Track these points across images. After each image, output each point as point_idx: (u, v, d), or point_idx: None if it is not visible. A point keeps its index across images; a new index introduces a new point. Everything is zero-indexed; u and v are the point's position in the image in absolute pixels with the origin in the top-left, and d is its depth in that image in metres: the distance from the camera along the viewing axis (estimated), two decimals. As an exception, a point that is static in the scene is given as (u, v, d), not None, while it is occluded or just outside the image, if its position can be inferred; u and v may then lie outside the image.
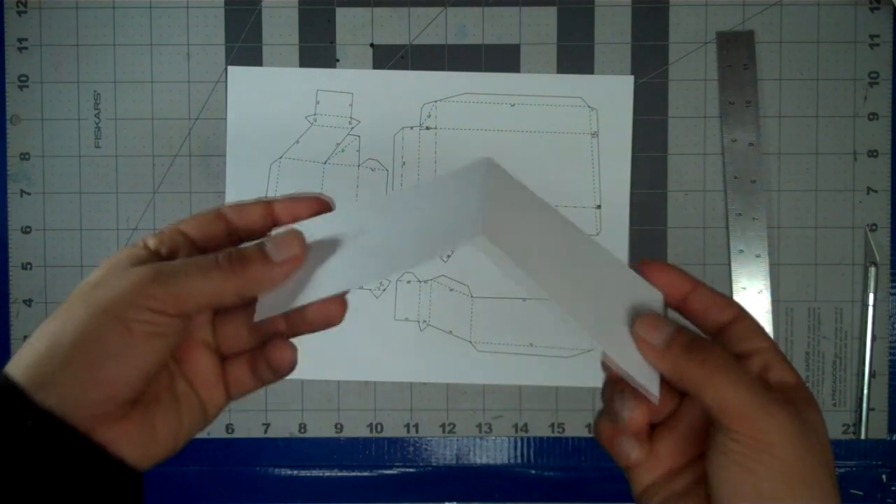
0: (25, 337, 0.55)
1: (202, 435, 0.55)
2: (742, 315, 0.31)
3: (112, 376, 0.28)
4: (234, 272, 0.30)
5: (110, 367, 0.28)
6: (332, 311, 0.32)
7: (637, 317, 0.30)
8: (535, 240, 0.30)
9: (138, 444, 0.29)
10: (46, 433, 0.27)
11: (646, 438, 0.31)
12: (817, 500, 0.27)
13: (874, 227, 0.55)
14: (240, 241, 0.33)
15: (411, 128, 0.55)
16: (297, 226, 0.32)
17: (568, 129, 0.54)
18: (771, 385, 0.29)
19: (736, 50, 0.54)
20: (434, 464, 0.56)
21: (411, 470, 0.56)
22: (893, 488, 0.55)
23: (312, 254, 0.31)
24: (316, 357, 0.54)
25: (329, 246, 0.31)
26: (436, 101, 0.55)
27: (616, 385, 0.31)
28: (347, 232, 0.31)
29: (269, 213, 0.33)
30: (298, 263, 0.31)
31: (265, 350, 0.32)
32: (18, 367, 0.28)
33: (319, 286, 0.31)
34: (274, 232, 0.33)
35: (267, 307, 0.31)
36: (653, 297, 0.32)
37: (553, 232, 0.32)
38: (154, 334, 0.28)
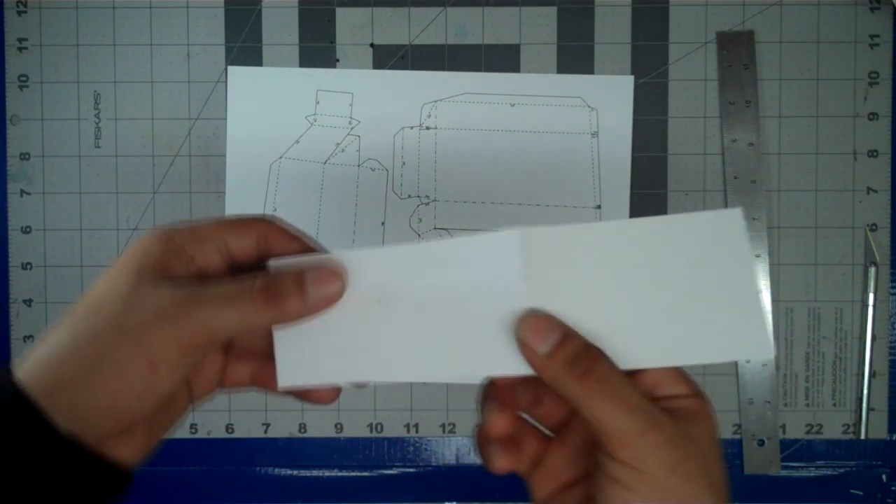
0: (26, 338, 0.55)
1: (202, 435, 0.55)
2: None
3: (132, 409, 0.28)
4: (269, 306, 0.29)
5: (132, 403, 0.28)
6: (329, 395, 0.32)
7: (522, 318, 0.29)
8: (596, 301, 0.29)
9: (139, 450, 0.30)
10: (65, 457, 0.27)
11: (515, 448, 0.32)
12: None
13: (874, 227, 0.55)
14: (269, 257, 0.32)
15: (411, 128, 0.55)
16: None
17: (568, 129, 0.54)
18: (655, 401, 0.29)
19: (736, 50, 0.54)
20: (434, 464, 0.56)
21: (411, 470, 0.56)
22: (893, 488, 0.55)
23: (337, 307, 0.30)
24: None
25: (353, 304, 0.30)
26: (436, 101, 0.55)
27: (487, 390, 0.31)
28: (370, 290, 0.30)
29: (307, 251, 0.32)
30: (334, 303, 0.30)
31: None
32: (39, 384, 0.27)
33: (345, 367, 0.30)
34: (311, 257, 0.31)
35: (290, 372, 0.31)
36: (731, 223, 0.29)
37: (609, 266, 0.29)
38: (177, 369, 0.28)
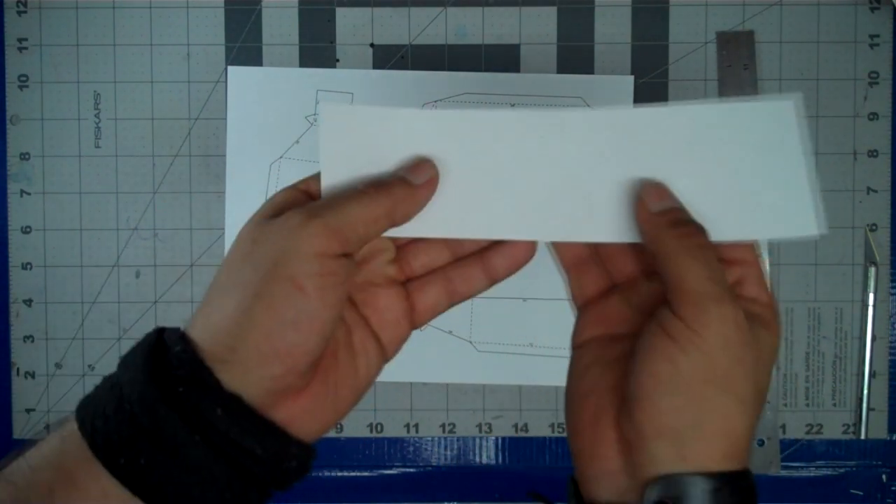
0: (26, 338, 0.55)
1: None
2: None
3: (291, 345, 0.27)
4: (382, 195, 0.29)
5: (288, 336, 0.27)
6: (519, 252, 0.32)
7: (647, 181, 0.31)
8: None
9: (318, 415, 0.29)
10: (232, 418, 0.26)
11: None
12: (731, 406, 0.27)
13: (874, 227, 0.55)
14: None
15: (411, 128, 0.55)
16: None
17: (568, 129, 0.54)
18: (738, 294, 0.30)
19: (736, 50, 0.54)
20: (434, 464, 0.56)
21: (411, 470, 0.56)
22: (893, 488, 0.55)
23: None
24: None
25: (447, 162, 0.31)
26: (436, 102, 0.55)
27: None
28: (456, 150, 0.31)
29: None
30: (435, 186, 0.31)
31: (499, 247, 0.32)
32: (201, 340, 0.27)
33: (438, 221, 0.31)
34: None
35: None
36: (783, 114, 0.31)
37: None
38: (325, 287, 0.27)
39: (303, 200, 0.30)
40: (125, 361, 0.27)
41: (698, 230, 0.29)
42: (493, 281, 0.33)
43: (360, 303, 0.31)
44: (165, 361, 0.27)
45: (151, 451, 0.25)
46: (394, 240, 0.32)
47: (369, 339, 0.31)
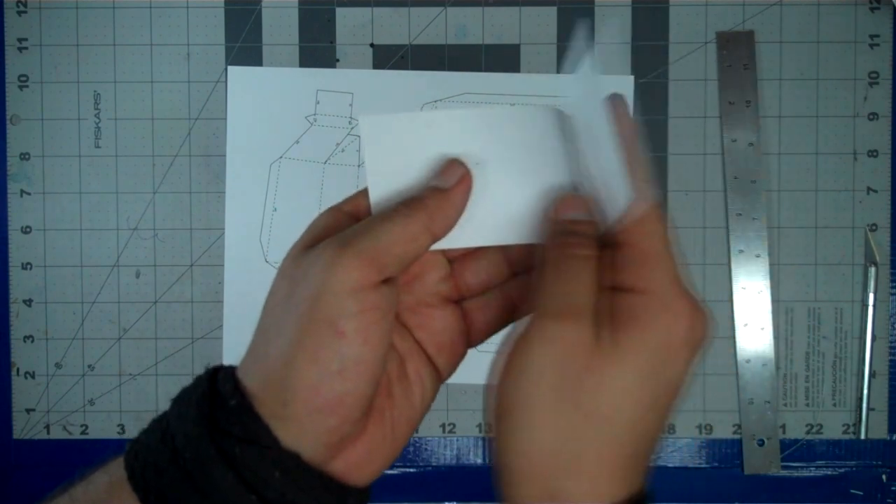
0: (26, 338, 0.55)
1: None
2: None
3: (340, 395, 0.25)
4: (416, 209, 0.27)
5: (336, 386, 0.25)
6: None
7: (558, 195, 0.29)
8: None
9: (377, 457, 0.28)
10: (289, 478, 0.25)
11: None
12: (523, 444, 0.25)
13: (874, 227, 0.55)
14: None
15: (411, 128, 0.55)
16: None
17: (568, 129, 0.54)
18: (617, 290, 0.26)
19: (736, 50, 0.54)
20: (434, 464, 0.56)
21: (411, 470, 0.56)
22: (893, 488, 0.55)
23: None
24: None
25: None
26: (436, 101, 0.55)
27: None
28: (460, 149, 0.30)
29: None
30: (469, 183, 0.28)
31: None
32: (254, 390, 0.26)
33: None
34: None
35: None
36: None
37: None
38: (367, 326, 0.25)
39: (345, 224, 0.28)
40: (178, 410, 0.26)
41: (576, 244, 0.26)
42: None
43: (413, 327, 0.30)
44: (220, 414, 0.25)
45: None
46: (446, 254, 0.30)
47: (424, 365, 0.29)
